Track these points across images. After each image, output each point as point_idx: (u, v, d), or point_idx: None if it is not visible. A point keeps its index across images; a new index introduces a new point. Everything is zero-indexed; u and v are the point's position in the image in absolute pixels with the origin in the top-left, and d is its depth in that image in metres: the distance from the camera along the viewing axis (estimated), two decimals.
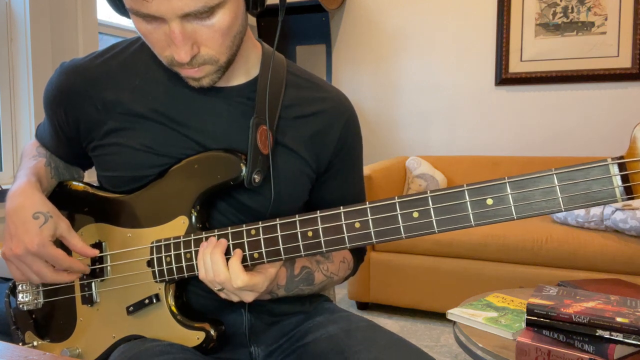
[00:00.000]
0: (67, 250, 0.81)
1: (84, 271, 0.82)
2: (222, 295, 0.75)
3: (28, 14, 1.95)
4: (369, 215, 0.68)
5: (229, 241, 0.75)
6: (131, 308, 0.80)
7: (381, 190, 2.56)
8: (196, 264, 0.76)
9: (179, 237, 0.78)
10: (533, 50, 2.92)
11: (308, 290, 0.87)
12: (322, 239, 0.71)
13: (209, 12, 0.67)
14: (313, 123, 0.86)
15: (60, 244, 0.80)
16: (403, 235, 0.67)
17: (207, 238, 0.76)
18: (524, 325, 1.29)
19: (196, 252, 0.76)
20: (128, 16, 0.71)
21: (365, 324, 0.84)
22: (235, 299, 0.74)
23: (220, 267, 0.71)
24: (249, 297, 0.74)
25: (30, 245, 0.75)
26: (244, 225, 0.75)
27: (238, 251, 0.73)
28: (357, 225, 0.69)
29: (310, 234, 0.71)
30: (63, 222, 0.79)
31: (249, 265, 0.75)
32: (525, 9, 2.92)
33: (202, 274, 0.73)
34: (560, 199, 0.61)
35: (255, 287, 0.73)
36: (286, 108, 0.84)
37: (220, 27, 0.69)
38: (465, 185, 0.65)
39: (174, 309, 0.79)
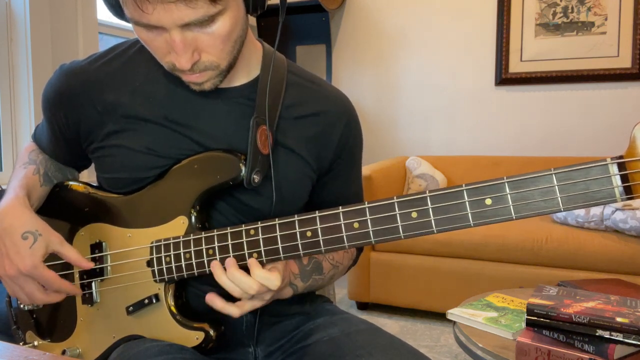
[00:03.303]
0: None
1: (74, 293, 0.82)
2: (257, 302, 0.75)
3: (28, 14, 1.95)
4: (368, 215, 0.68)
5: (228, 241, 0.75)
6: (131, 308, 0.81)
7: (381, 190, 2.56)
8: (196, 263, 0.77)
9: (178, 237, 0.78)
10: (533, 50, 2.92)
11: (320, 280, 0.87)
12: (320, 239, 0.71)
13: (210, 20, 0.67)
14: (314, 123, 0.86)
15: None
16: (402, 235, 0.67)
17: (206, 238, 0.76)
18: (524, 325, 1.29)
19: (195, 252, 0.77)
20: (128, 21, 0.72)
21: (366, 327, 0.84)
22: (267, 296, 0.75)
23: (247, 282, 0.72)
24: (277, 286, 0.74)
25: (22, 267, 0.76)
26: (243, 225, 0.75)
27: (253, 260, 0.73)
28: (356, 225, 0.69)
29: (309, 234, 0.71)
30: (54, 237, 0.79)
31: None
32: (525, 9, 2.92)
33: (238, 293, 0.73)
34: (559, 198, 0.61)
35: (284, 274, 0.74)
36: (287, 108, 0.84)
37: (221, 34, 0.69)
38: (464, 185, 0.65)
39: (173, 309, 0.79)
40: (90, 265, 0.81)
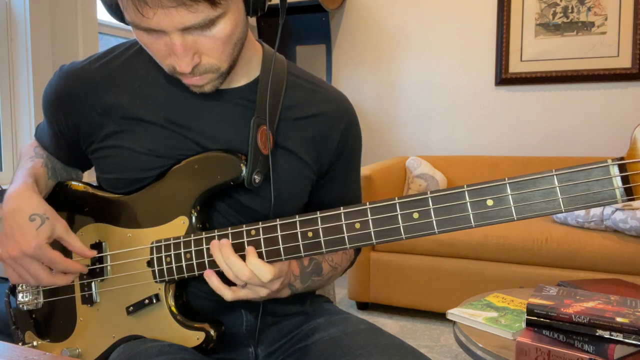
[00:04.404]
0: (67, 251, 0.82)
1: (82, 271, 0.81)
2: (250, 293, 0.74)
3: (28, 14, 1.95)
4: (369, 215, 0.68)
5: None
6: (131, 308, 0.80)
7: (381, 190, 2.56)
8: (196, 263, 0.76)
9: (178, 237, 0.78)
10: (533, 50, 2.92)
11: (319, 282, 0.87)
12: (322, 239, 0.71)
13: (210, 23, 0.67)
14: (314, 125, 0.85)
15: (59, 244, 0.80)
16: (403, 235, 0.67)
17: (207, 239, 0.76)
18: (524, 325, 1.29)
19: (196, 252, 0.76)
20: (128, 24, 0.72)
21: (366, 327, 0.84)
22: (262, 292, 0.74)
23: (240, 266, 0.71)
24: (275, 285, 0.73)
25: (26, 248, 0.75)
26: (244, 226, 0.75)
27: (251, 248, 0.73)
28: (357, 225, 0.69)
29: (310, 234, 0.71)
30: (60, 224, 0.79)
31: None
32: (525, 9, 2.92)
33: (231, 275, 0.72)
34: (560, 199, 0.61)
35: (281, 272, 0.73)
36: (286, 109, 0.84)
37: (221, 37, 0.69)
38: (465, 186, 0.65)
39: (173, 309, 0.79)
40: (93, 253, 0.81)
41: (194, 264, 0.77)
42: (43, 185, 0.87)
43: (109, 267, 0.83)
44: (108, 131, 0.82)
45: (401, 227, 0.67)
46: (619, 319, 1.08)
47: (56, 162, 0.92)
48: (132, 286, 0.81)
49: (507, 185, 0.63)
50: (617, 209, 2.17)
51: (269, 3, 0.75)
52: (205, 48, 0.70)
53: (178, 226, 0.79)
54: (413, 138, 3.25)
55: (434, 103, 3.18)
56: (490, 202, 0.63)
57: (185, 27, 0.66)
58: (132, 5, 0.64)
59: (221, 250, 0.72)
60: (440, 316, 2.48)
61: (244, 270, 0.71)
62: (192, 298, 0.82)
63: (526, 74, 2.94)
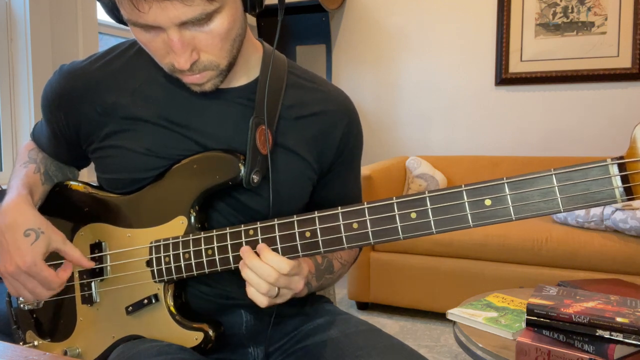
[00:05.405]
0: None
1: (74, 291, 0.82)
2: (278, 300, 0.72)
3: (28, 14, 1.95)
4: (367, 215, 0.68)
5: (227, 241, 0.75)
6: (130, 308, 0.81)
7: (381, 190, 2.56)
8: (195, 263, 0.76)
9: (177, 237, 0.78)
10: (533, 50, 2.92)
11: (330, 280, 0.88)
12: (319, 239, 0.71)
13: (207, 18, 0.67)
14: (315, 124, 0.85)
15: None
16: (401, 235, 0.67)
17: (205, 239, 0.76)
18: (524, 325, 1.29)
19: (195, 252, 0.76)
20: (126, 24, 0.72)
21: (365, 328, 0.84)
22: (288, 295, 0.72)
23: (266, 268, 0.69)
24: (299, 284, 0.73)
25: (22, 264, 0.75)
26: (242, 226, 0.75)
27: (263, 245, 0.71)
28: (355, 225, 0.69)
29: (308, 234, 0.71)
30: (57, 235, 0.79)
31: None
32: (525, 9, 2.91)
33: (261, 300, 0.70)
34: (559, 199, 0.61)
35: (300, 268, 0.72)
36: (287, 108, 0.84)
37: (219, 32, 0.69)
38: (463, 185, 0.65)
39: (172, 309, 0.79)
40: (92, 264, 0.81)
41: (193, 264, 0.77)
42: (38, 193, 0.87)
43: (108, 267, 0.83)
44: (108, 131, 0.82)
45: (399, 227, 0.67)
46: (619, 319, 1.08)
47: (50, 165, 0.92)
48: (131, 286, 0.81)
49: (505, 184, 0.63)
50: (617, 209, 2.17)
51: (269, 2, 0.75)
52: (203, 44, 0.69)
53: (177, 226, 0.79)
54: (413, 138, 3.25)
55: (434, 103, 3.18)
56: (488, 202, 0.63)
57: (182, 21, 0.66)
58: (127, 0, 0.64)
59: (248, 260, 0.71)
60: (440, 316, 2.48)
61: (269, 270, 0.69)
62: (192, 298, 0.82)
63: (526, 74, 2.94)
